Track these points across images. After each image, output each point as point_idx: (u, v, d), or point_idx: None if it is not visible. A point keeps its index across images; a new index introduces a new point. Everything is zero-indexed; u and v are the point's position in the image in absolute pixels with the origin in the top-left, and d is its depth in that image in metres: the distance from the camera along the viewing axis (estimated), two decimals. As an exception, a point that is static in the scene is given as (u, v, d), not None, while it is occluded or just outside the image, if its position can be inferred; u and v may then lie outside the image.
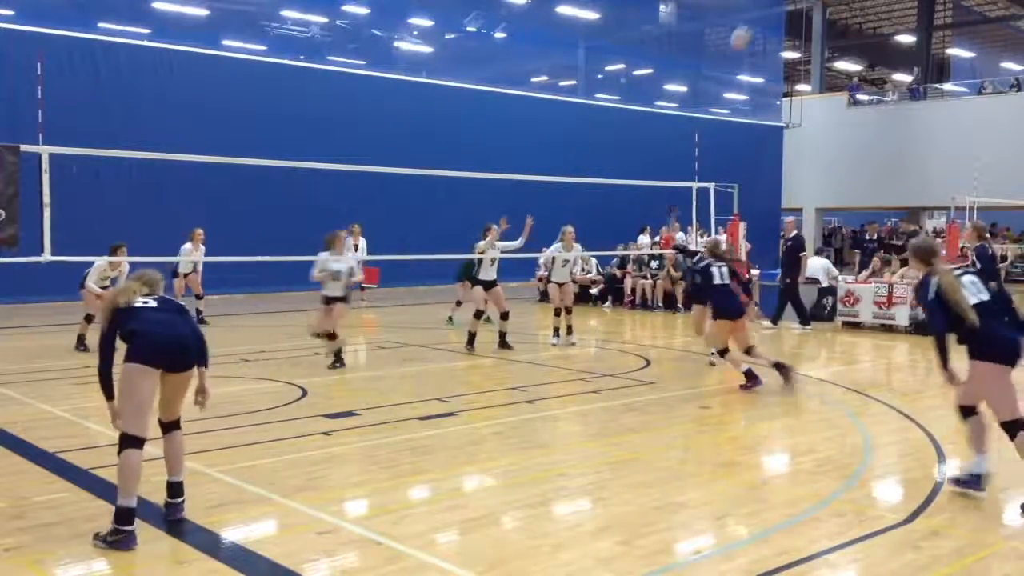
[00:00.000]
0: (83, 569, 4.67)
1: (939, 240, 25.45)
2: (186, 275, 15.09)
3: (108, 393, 5.13)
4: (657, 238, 22.57)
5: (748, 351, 9.90)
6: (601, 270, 19.90)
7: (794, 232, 15.89)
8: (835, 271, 17.83)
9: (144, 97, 18.60)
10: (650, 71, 32.49)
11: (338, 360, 10.79)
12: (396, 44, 26.53)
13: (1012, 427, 5.62)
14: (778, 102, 32.88)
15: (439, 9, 25.91)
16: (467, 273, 14.35)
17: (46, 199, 8.54)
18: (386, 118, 21.67)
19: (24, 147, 8.47)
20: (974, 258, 9.80)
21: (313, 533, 5.15)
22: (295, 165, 12.74)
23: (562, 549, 4.91)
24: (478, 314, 12.46)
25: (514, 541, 5.12)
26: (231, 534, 5.15)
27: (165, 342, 5.13)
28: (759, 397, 9.61)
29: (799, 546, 4.95)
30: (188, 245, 14.63)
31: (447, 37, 27.47)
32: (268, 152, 14.12)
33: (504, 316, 12.52)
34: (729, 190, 15.12)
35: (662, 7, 31.11)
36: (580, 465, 6.67)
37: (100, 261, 11.58)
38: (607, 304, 19.20)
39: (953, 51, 39.56)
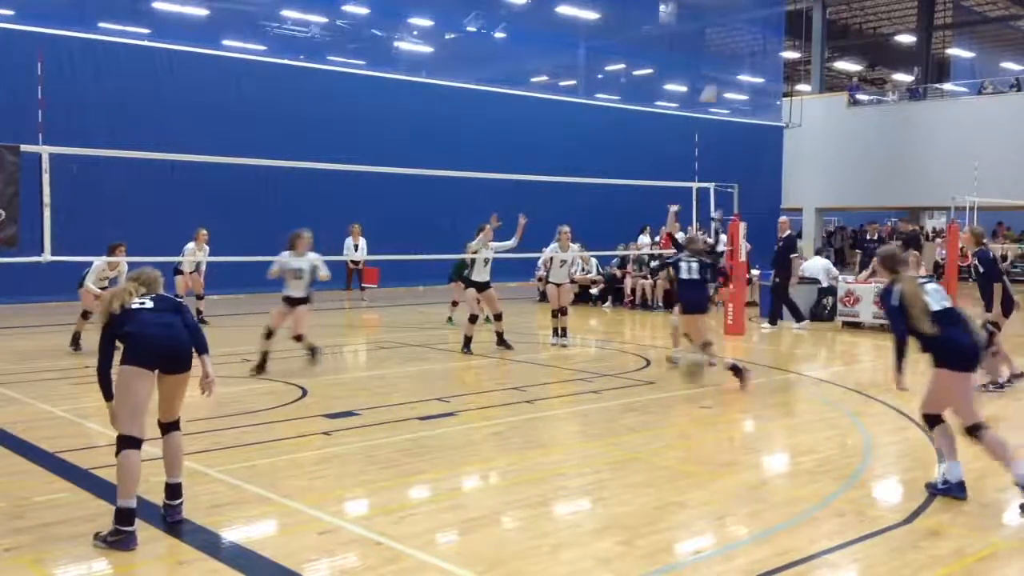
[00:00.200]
0: (83, 569, 4.67)
1: (939, 240, 25.54)
2: (189, 273, 15.11)
3: (107, 394, 5.16)
4: (657, 238, 22.59)
5: (705, 346, 9.97)
6: (601, 270, 19.90)
7: (787, 232, 15.91)
8: (835, 271, 17.84)
9: (144, 97, 18.60)
10: (650, 71, 32.51)
11: (313, 353, 10.70)
12: (396, 44, 26.54)
13: (974, 431, 5.71)
14: (778, 102, 32.89)
15: (439, 9, 25.92)
16: (459, 273, 14.38)
17: (46, 199, 8.54)
18: (386, 118, 21.68)
19: (24, 147, 8.47)
20: (975, 262, 9.79)
21: (313, 533, 5.15)
22: (295, 165, 12.75)
23: (562, 549, 4.91)
24: (472, 318, 12.38)
25: (514, 541, 5.12)
26: (231, 534, 5.15)
27: (160, 344, 5.15)
28: (759, 397, 9.62)
29: (799, 546, 4.95)
30: (191, 245, 14.64)
31: (447, 37, 27.49)
32: (268, 152, 14.13)
33: (498, 318, 12.42)
34: (729, 190, 15.13)
35: (662, 7, 31.12)
36: (580, 465, 6.67)
37: (99, 261, 11.58)
38: (607, 304, 19.20)
39: (953, 51, 39.56)
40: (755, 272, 18.32)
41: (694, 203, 15.08)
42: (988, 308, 9.53)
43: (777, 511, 5.59)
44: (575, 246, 13.68)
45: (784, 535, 5.14)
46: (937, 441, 6.01)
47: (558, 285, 13.21)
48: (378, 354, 12.88)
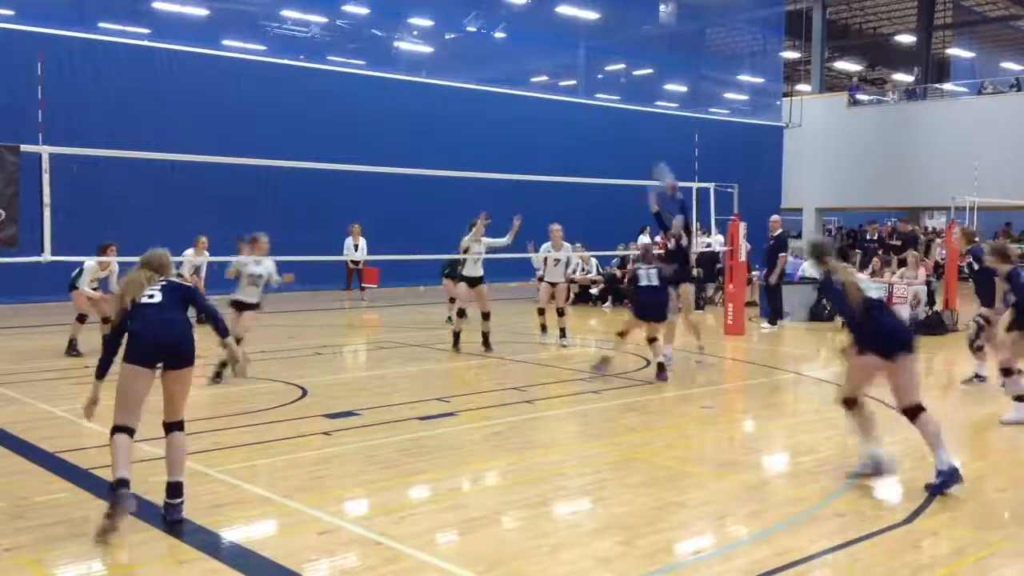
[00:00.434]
0: (83, 569, 4.68)
1: (939, 240, 25.52)
2: (189, 277, 15.10)
3: (99, 373, 5.35)
4: (657, 238, 22.58)
5: (651, 341, 10.26)
6: (601, 270, 19.89)
7: (779, 231, 15.92)
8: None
9: (144, 97, 18.60)
10: (650, 71, 32.50)
11: (219, 376, 9.69)
12: (396, 44, 26.54)
13: (914, 413, 5.99)
14: (778, 102, 32.88)
15: (439, 9, 25.91)
16: (452, 270, 14.44)
17: (46, 199, 8.54)
18: (386, 118, 21.68)
19: (24, 147, 8.46)
20: (971, 260, 9.81)
21: (313, 533, 5.15)
22: (295, 165, 12.74)
23: (562, 549, 4.91)
24: (461, 312, 12.30)
25: (514, 541, 5.12)
26: (231, 534, 5.15)
27: (160, 342, 5.29)
28: (759, 397, 9.63)
29: (799, 546, 4.95)
30: (190, 251, 14.59)
31: (447, 37, 27.49)
32: (268, 152, 14.12)
33: (485, 317, 12.27)
34: (729, 190, 15.12)
35: (662, 7, 31.11)
36: (580, 465, 6.67)
37: (90, 262, 11.53)
38: (607, 304, 19.19)
39: (953, 51, 39.56)
40: (755, 273, 18.33)
41: (694, 203, 15.07)
42: (984, 303, 9.56)
43: (777, 511, 5.60)
44: (569, 245, 13.66)
45: (784, 535, 5.14)
46: (855, 422, 6.26)
47: (553, 284, 13.23)
48: (378, 354, 12.88)
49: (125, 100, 18.34)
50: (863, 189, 31.74)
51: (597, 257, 19.46)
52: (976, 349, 9.79)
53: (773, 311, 15.67)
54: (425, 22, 26.53)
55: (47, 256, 8.68)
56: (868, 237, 22.96)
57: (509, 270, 18.94)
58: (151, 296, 5.42)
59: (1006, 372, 8.23)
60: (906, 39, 38.90)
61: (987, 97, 31.10)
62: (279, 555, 4.77)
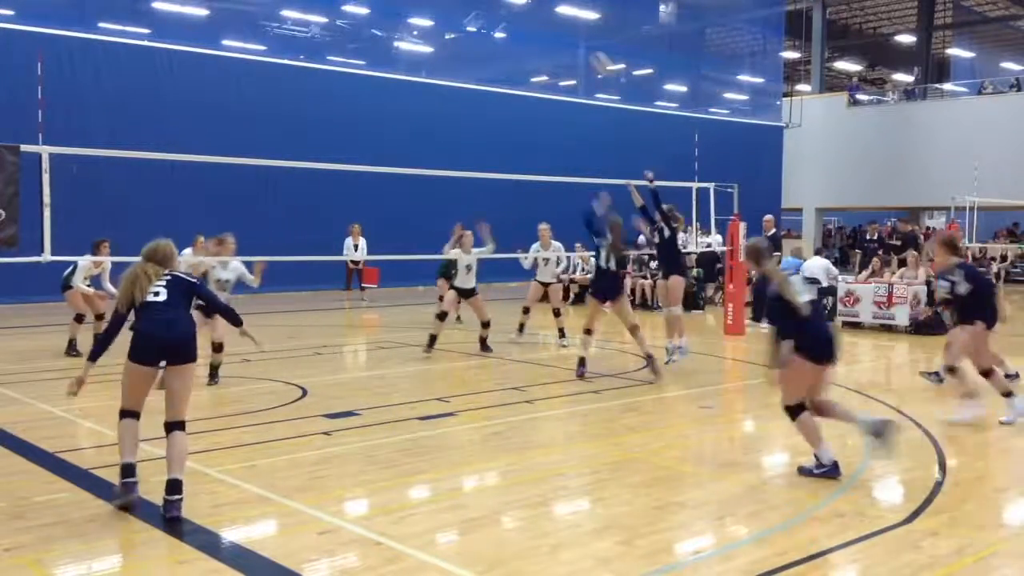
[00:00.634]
0: (83, 569, 4.68)
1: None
2: None
3: (91, 357, 5.68)
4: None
5: (588, 331, 10.44)
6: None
7: (772, 231, 15.92)
8: (835, 271, 17.84)
9: (144, 97, 18.60)
10: (650, 71, 32.49)
11: (215, 377, 9.61)
12: (396, 44, 26.53)
13: (792, 412, 6.23)
14: (778, 102, 32.88)
15: (439, 9, 25.91)
16: (447, 271, 14.51)
17: (46, 199, 8.54)
18: (386, 118, 21.67)
19: (24, 147, 8.46)
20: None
21: (313, 533, 5.15)
22: (295, 165, 12.74)
23: (562, 549, 4.91)
24: (441, 316, 12.02)
25: (514, 541, 5.12)
26: (231, 534, 5.15)
27: (163, 343, 5.50)
28: (759, 397, 9.61)
29: (799, 546, 4.95)
30: (188, 251, 14.51)
31: (447, 37, 27.48)
32: (268, 152, 14.12)
33: (485, 325, 12.16)
34: (729, 190, 15.12)
35: (662, 7, 31.11)
36: (580, 465, 6.67)
37: (83, 260, 11.52)
38: (607, 304, 19.17)
39: (953, 51, 39.56)
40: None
41: (694, 203, 15.07)
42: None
43: (777, 511, 5.60)
44: (558, 244, 13.64)
45: (784, 535, 5.14)
46: (801, 430, 6.33)
47: (545, 284, 13.25)
48: (378, 354, 12.88)
49: (125, 100, 18.34)
50: (863, 189, 31.74)
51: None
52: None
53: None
54: (425, 22, 26.52)
55: (47, 256, 8.68)
56: (868, 237, 22.96)
57: (510, 270, 18.93)
58: (156, 293, 5.58)
59: (951, 370, 8.17)
60: (906, 39, 38.90)
61: (987, 97, 31.09)
62: (279, 555, 4.77)
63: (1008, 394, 8.06)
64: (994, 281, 8.19)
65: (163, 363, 5.54)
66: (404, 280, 21.38)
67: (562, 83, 30.64)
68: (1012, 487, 6.32)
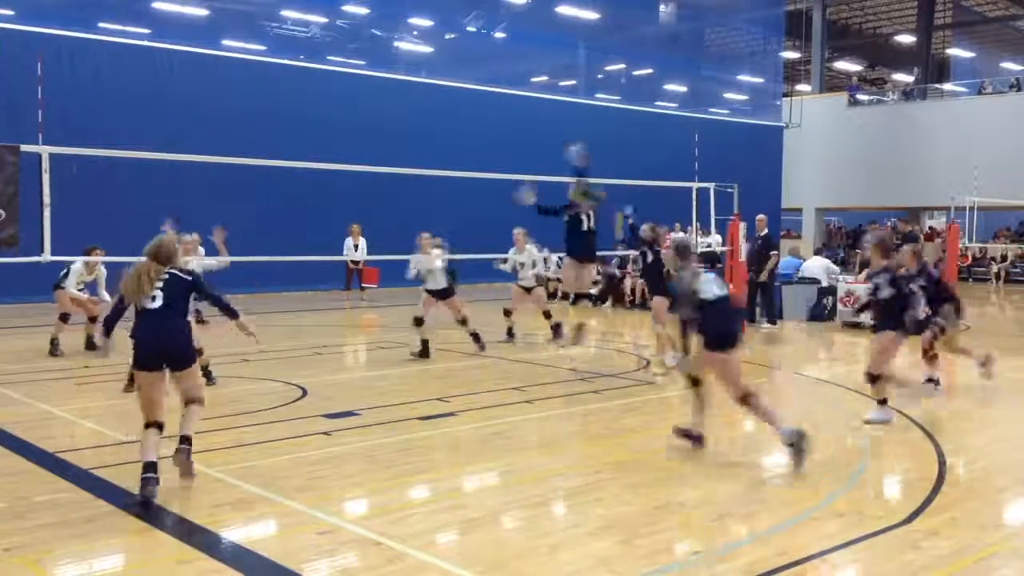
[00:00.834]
0: (83, 569, 4.68)
1: (939, 240, 25.53)
2: None
3: (106, 331, 6.33)
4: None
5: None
6: (601, 270, 19.88)
7: (764, 230, 15.93)
8: (836, 270, 17.84)
9: (144, 97, 18.60)
10: (650, 71, 32.51)
11: (209, 378, 9.53)
12: (396, 44, 26.54)
13: (745, 400, 6.66)
14: (778, 102, 32.88)
15: (439, 9, 25.91)
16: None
17: (46, 199, 8.54)
18: (386, 118, 21.67)
19: (24, 147, 8.46)
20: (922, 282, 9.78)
21: (313, 533, 5.15)
22: (295, 165, 12.72)
23: (562, 549, 4.91)
24: (418, 320, 11.81)
25: (514, 541, 5.12)
26: (231, 534, 5.15)
27: (159, 353, 5.94)
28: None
29: (799, 546, 4.95)
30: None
31: (447, 37, 27.49)
32: (268, 152, 14.10)
33: (462, 323, 12.06)
34: (729, 190, 15.11)
35: (662, 7, 31.12)
36: (580, 465, 6.67)
37: (77, 264, 11.50)
38: (607, 304, 19.19)
39: (953, 51, 39.58)
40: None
41: (694, 203, 15.07)
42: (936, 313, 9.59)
43: (777, 511, 5.60)
44: (533, 247, 13.56)
45: (784, 535, 5.14)
46: (695, 397, 7.00)
47: (528, 289, 13.26)
48: (378, 354, 12.88)
49: (125, 100, 18.33)
50: (863, 189, 31.75)
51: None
52: (932, 358, 9.74)
53: (770, 310, 15.67)
54: (425, 22, 26.53)
55: (47, 256, 8.68)
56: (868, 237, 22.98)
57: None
58: (153, 298, 5.89)
59: (873, 378, 8.03)
60: (906, 39, 38.90)
61: (987, 97, 31.10)
62: (279, 555, 4.77)
63: (883, 401, 8.00)
64: (917, 292, 7.97)
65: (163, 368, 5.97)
66: (404, 280, 21.36)
67: (562, 83, 30.65)
68: (1012, 487, 6.32)
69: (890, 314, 7.98)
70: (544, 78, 30.03)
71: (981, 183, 22.98)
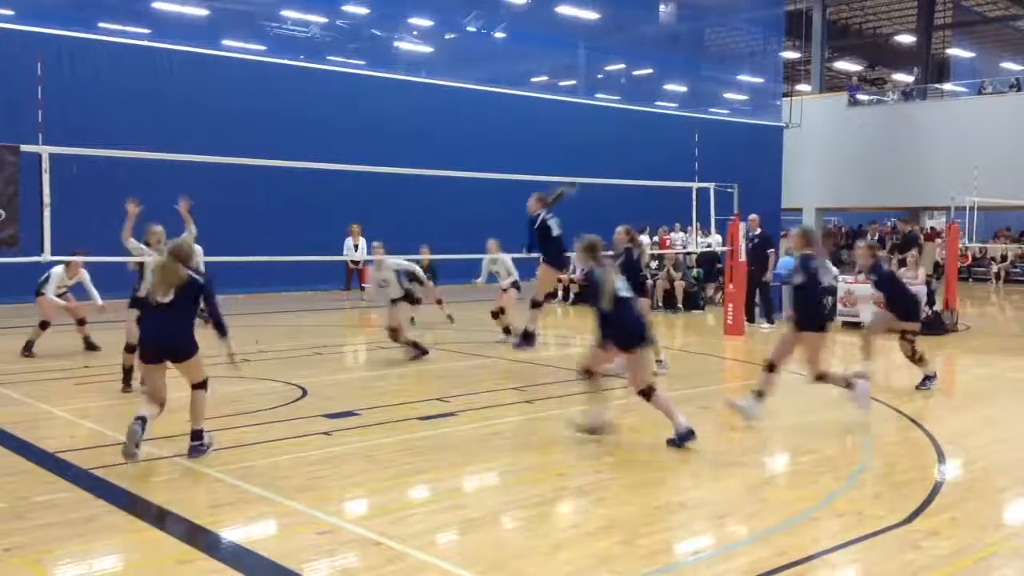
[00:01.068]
0: (83, 569, 4.68)
1: (940, 240, 25.52)
2: None
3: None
4: (656, 238, 22.60)
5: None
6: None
7: (758, 230, 15.92)
8: (835, 271, 17.83)
9: (144, 97, 18.60)
10: (650, 71, 32.50)
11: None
12: (396, 44, 26.54)
13: (646, 393, 7.06)
14: (778, 102, 32.88)
15: (439, 9, 25.91)
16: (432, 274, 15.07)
17: (46, 199, 8.53)
18: (386, 118, 21.68)
19: (24, 147, 8.46)
20: (876, 278, 9.74)
21: (313, 533, 5.15)
22: (295, 165, 12.72)
23: (562, 549, 4.91)
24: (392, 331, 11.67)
25: (514, 541, 5.12)
26: (231, 534, 5.15)
27: (161, 349, 6.50)
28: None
29: (799, 546, 4.95)
30: (60, 268, 14.17)
31: (447, 37, 27.48)
32: (268, 152, 14.12)
33: (390, 331, 11.67)
34: (729, 190, 15.11)
35: (662, 7, 31.13)
36: (580, 465, 6.67)
37: (57, 269, 11.47)
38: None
39: (953, 51, 39.57)
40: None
41: (694, 203, 15.07)
42: (901, 317, 9.59)
43: (777, 511, 5.60)
44: (504, 256, 13.42)
45: (784, 535, 5.14)
46: (589, 388, 7.43)
47: (504, 290, 13.34)
48: (378, 354, 12.87)
49: (125, 100, 18.33)
50: (863, 189, 31.73)
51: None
52: (919, 360, 9.73)
53: (768, 310, 15.67)
54: (425, 22, 26.52)
55: (47, 256, 8.68)
56: (871, 237, 22.98)
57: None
58: (163, 303, 6.45)
59: (770, 367, 7.88)
60: (906, 39, 38.90)
61: (987, 97, 31.09)
62: (279, 555, 4.77)
63: (761, 394, 7.86)
64: (822, 285, 7.72)
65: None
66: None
67: (562, 83, 30.64)
68: (1012, 487, 6.33)
69: (808, 310, 7.85)
70: (544, 78, 30.03)
71: (981, 183, 22.97)
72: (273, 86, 20.66)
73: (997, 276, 28.84)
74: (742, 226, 14.74)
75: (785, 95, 33.19)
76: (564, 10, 27.83)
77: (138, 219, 9.24)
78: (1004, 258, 29.64)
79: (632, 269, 10.63)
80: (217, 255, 13.97)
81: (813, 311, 7.86)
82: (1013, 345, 14.13)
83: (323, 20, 25.22)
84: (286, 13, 24.25)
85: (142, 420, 6.27)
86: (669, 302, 18.27)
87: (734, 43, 37.29)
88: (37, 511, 5.45)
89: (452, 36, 27.53)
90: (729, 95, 34.43)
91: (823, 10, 35.77)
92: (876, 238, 22.62)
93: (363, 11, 25.41)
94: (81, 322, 11.75)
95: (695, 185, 15.14)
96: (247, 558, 4.77)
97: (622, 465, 6.66)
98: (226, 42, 21.97)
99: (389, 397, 9.13)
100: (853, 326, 15.33)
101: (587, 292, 7.64)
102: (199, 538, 5.04)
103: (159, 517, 5.30)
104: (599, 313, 7.15)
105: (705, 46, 35.34)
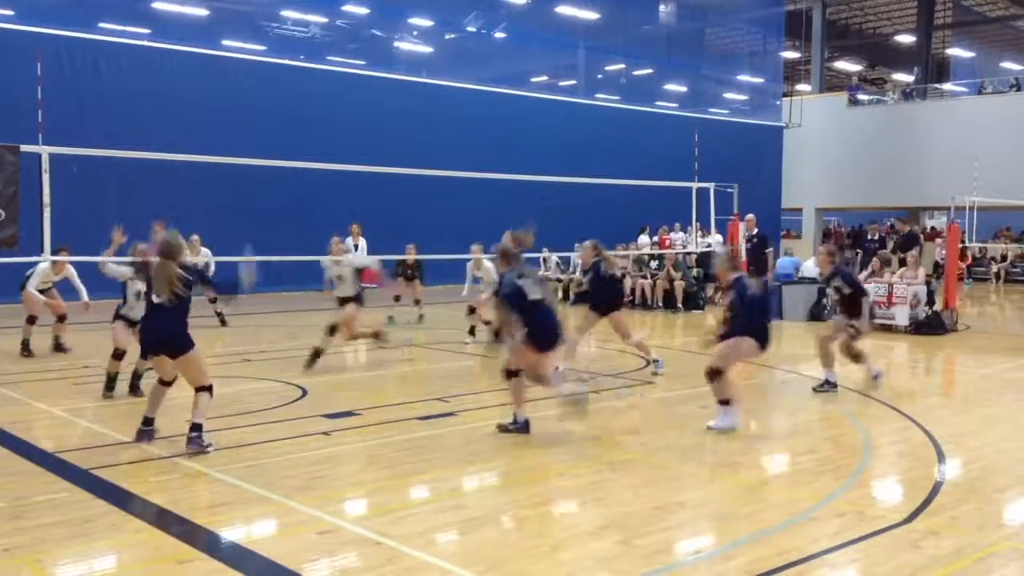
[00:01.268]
0: (83, 569, 4.68)
1: (940, 240, 25.50)
2: None
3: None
4: (656, 238, 22.60)
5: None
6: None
7: (755, 230, 15.92)
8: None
9: (144, 97, 18.60)
10: (650, 71, 32.50)
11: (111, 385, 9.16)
12: (396, 44, 26.54)
13: (538, 379, 7.41)
14: (778, 102, 32.88)
15: (439, 9, 25.91)
16: (402, 271, 15.45)
17: (46, 199, 8.54)
18: (386, 118, 21.68)
19: (24, 147, 8.48)
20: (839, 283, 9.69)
21: (313, 533, 5.15)
22: (295, 165, 12.74)
23: (561, 549, 4.91)
24: (331, 329, 10.97)
25: (514, 541, 5.12)
26: (231, 534, 5.15)
27: (156, 344, 6.89)
28: (759, 397, 9.62)
29: (799, 546, 4.95)
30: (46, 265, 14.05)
31: (447, 37, 27.48)
32: (268, 152, 14.13)
33: (330, 331, 10.97)
34: (729, 190, 15.13)
35: (662, 7, 31.11)
36: (580, 465, 6.67)
37: (43, 264, 11.44)
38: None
39: (953, 51, 39.55)
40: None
41: (694, 203, 15.08)
42: (851, 316, 9.52)
43: (777, 511, 5.60)
44: (489, 264, 13.14)
45: (784, 535, 5.14)
46: (511, 389, 7.53)
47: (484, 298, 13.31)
48: (378, 354, 12.86)
49: (125, 100, 18.33)
50: (863, 189, 31.73)
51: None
52: (855, 356, 9.62)
53: None
54: (425, 22, 26.52)
55: (47, 256, 8.69)
56: (869, 237, 22.99)
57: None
58: (159, 294, 6.73)
59: (714, 374, 7.70)
60: (906, 39, 38.89)
61: (987, 97, 31.09)
62: (279, 555, 4.77)
63: (726, 402, 7.67)
64: (757, 305, 7.58)
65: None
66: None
67: (562, 83, 30.65)
68: (1012, 487, 6.33)
69: (743, 322, 7.76)
70: (544, 78, 30.03)
71: (981, 183, 22.97)
72: (273, 86, 20.66)
73: (997, 276, 28.84)
74: (741, 226, 14.75)
75: (785, 95, 33.20)
76: (564, 10, 27.82)
77: (119, 248, 9.10)
78: (1004, 258, 29.63)
79: (603, 282, 10.67)
80: (217, 255, 14.02)
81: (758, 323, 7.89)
82: (1013, 345, 14.13)
83: (323, 20, 25.22)
84: (286, 13, 24.25)
85: (149, 423, 7.02)
86: (669, 302, 18.26)
87: (734, 43, 37.28)
88: (37, 511, 5.45)
89: (452, 36, 27.53)
90: (729, 95, 34.44)
91: (823, 10, 35.77)
92: (876, 238, 22.61)
93: (363, 11, 25.41)
94: (61, 318, 11.73)
95: (695, 185, 15.17)
96: (247, 558, 4.77)
97: (622, 465, 6.66)
98: (226, 42, 21.97)
99: (389, 397, 9.14)
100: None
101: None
102: (199, 538, 5.04)
103: (159, 517, 5.30)
104: (521, 315, 7.37)
105: (705, 46, 35.32)
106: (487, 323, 12.56)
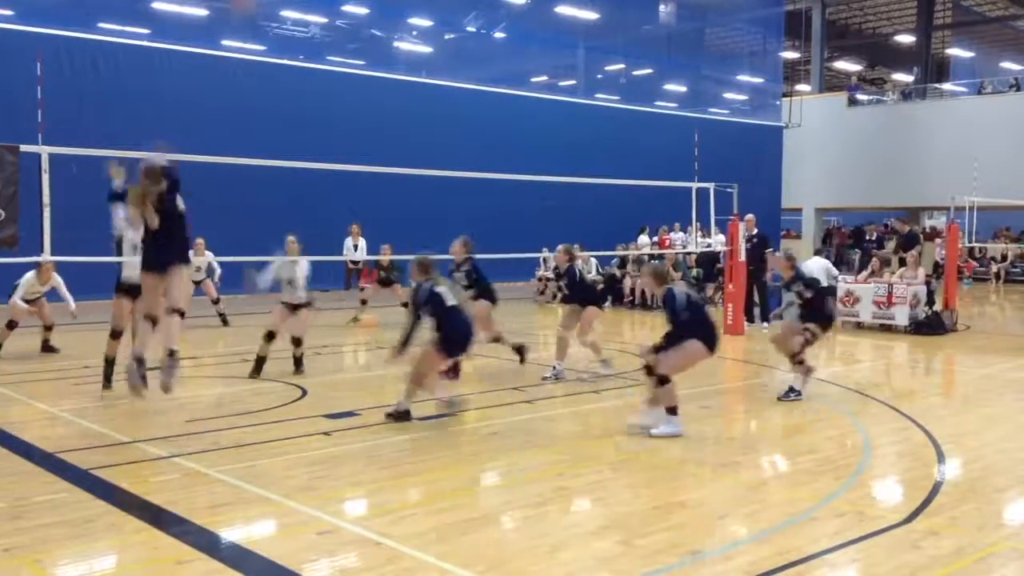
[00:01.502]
0: (83, 569, 4.68)
1: (940, 240, 25.50)
2: (197, 283, 15.10)
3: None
4: (656, 238, 22.60)
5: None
6: (601, 270, 19.89)
7: (754, 230, 15.91)
8: (835, 271, 17.83)
9: (144, 97, 18.59)
10: (650, 71, 32.50)
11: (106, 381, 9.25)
12: (396, 44, 26.53)
13: (417, 378, 7.92)
14: (778, 102, 32.89)
15: (439, 9, 25.91)
16: (387, 275, 15.73)
17: (46, 199, 8.53)
18: (386, 118, 21.68)
19: (24, 147, 8.47)
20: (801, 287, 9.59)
21: (313, 533, 5.15)
22: (295, 165, 12.72)
23: (562, 549, 4.91)
24: (269, 335, 10.48)
25: (514, 541, 5.12)
26: (231, 534, 5.15)
27: (155, 260, 7.19)
28: (759, 397, 9.62)
29: (799, 546, 4.95)
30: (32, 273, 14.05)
31: (447, 37, 27.47)
32: (268, 152, 14.09)
33: (295, 342, 10.74)
34: (729, 190, 15.12)
35: (662, 7, 31.11)
36: (580, 465, 6.67)
37: (29, 275, 11.46)
38: (607, 304, 19.18)
39: (953, 51, 39.56)
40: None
41: (694, 203, 15.08)
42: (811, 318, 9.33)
43: (777, 511, 5.60)
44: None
45: (784, 535, 5.14)
46: (412, 383, 7.94)
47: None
48: (378, 354, 12.85)
49: (125, 100, 18.33)
50: (863, 189, 31.74)
51: (596, 257, 19.46)
52: (798, 363, 9.43)
53: (764, 310, 15.66)
54: (425, 22, 26.52)
55: (47, 256, 8.68)
56: (868, 237, 23.00)
57: (509, 270, 18.93)
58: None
59: (662, 381, 7.57)
60: (906, 39, 38.89)
61: (987, 97, 31.10)
62: (279, 555, 4.77)
63: (673, 410, 7.56)
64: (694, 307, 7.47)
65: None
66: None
67: (562, 83, 30.64)
68: (1012, 487, 6.33)
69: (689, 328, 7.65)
70: (544, 78, 30.03)
71: (981, 183, 22.98)
72: (273, 86, 20.66)
73: (997, 276, 28.84)
74: (741, 226, 14.74)
75: (785, 95, 33.20)
76: (564, 10, 27.83)
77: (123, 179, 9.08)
78: (1004, 258, 29.64)
79: (578, 284, 10.87)
80: (217, 255, 14.03)
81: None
82: (1013, 345, 14.13)
83: (323, 20, 25.23)
84: (286, 13, 24.25)
85: (140, 361, 7.03)
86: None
87: (734, 43, 37.29)
88: (37, 511, 5.45)
89: (452, 36, 27.52)
90: (729, 95, 34.44)
91: (823, 10, 35.77)
92: (873, 238, 22.63)
93: (363, 11, 25.42)
94: (48, 328, 11.83)
95: (695, 185, 15.16)
96: (247, 558, 4.77)
97: (622, 465, 6.66)
98: (226, 42, 21.96)
99: (389, 397, 9.10)
100: (853, 326, 15.35)
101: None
102: (199, 538, 5.04)
103: (159, 517, 5.30)
104: (435, 321, 7.86)
105: (705, 46, 35.32)
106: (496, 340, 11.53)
